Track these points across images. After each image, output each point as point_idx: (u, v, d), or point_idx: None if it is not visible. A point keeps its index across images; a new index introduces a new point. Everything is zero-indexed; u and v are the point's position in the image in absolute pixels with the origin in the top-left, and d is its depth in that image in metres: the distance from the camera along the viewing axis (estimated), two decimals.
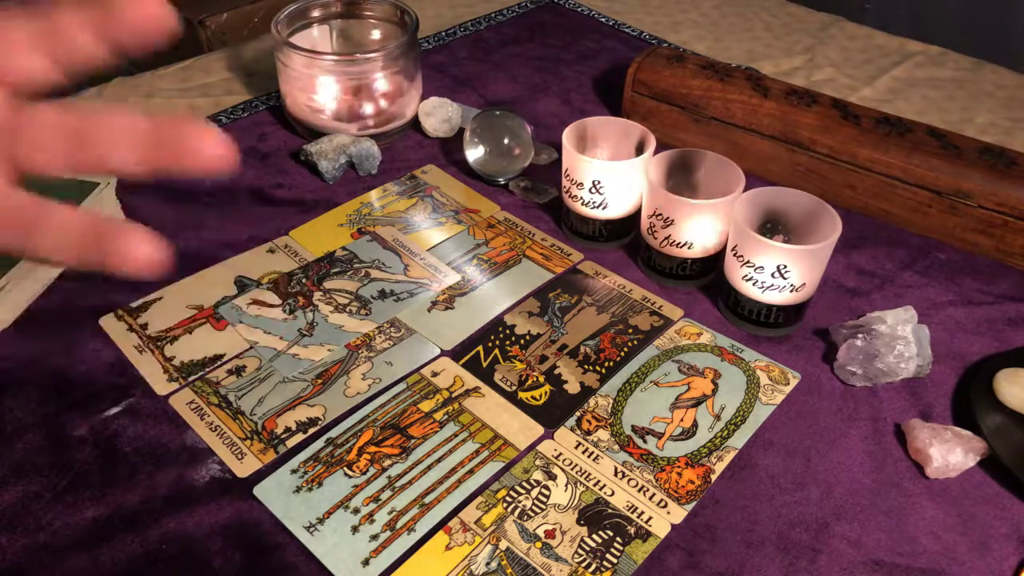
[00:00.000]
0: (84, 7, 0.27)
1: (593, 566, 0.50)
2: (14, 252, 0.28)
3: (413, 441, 0.57)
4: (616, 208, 0.71)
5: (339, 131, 0.83)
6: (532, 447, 0.57)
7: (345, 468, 0.55)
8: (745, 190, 0.65)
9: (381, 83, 0.83)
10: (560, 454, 0.57)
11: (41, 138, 0.27)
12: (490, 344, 0.65)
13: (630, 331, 0.66)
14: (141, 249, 0.27)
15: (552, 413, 0.60)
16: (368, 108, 0.84)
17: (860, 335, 0.62)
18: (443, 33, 1.07)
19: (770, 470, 0.56)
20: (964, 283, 0.71)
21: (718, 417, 0.59)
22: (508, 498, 0.54)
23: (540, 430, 0.58)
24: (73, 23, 0.27)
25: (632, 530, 0.52)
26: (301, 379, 0.61)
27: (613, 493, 0.54)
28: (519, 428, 0.58)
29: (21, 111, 0.28)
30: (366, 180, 0.81)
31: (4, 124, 0.28)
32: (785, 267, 0.61)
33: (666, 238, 0.67)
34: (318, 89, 0.82)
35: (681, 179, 0.71)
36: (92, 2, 0.27)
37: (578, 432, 0.58)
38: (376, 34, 0.91)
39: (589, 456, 0.57)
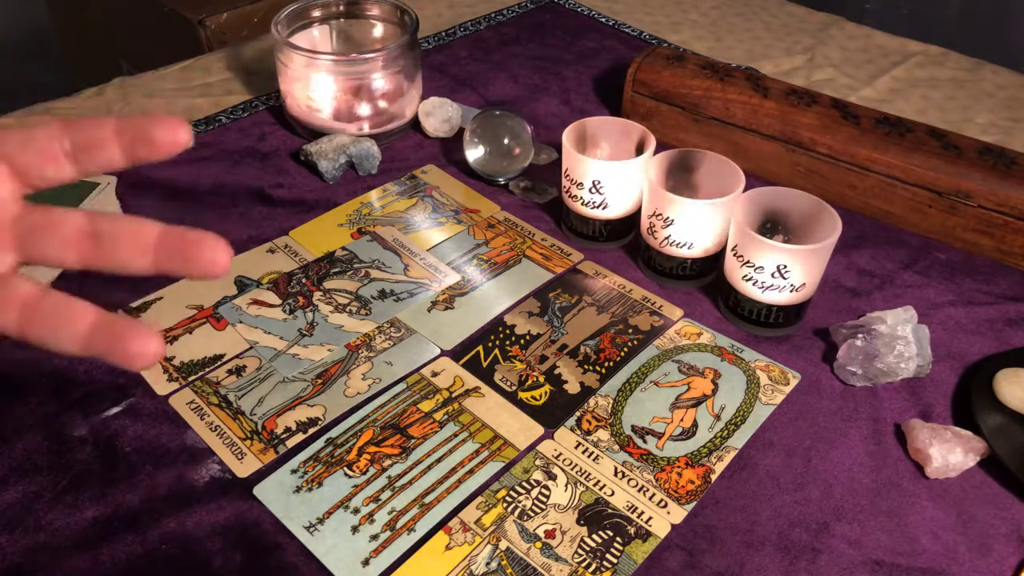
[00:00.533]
0: (122, 128, 0.29)
1: (593, 566, 0.50)
2: (14, 337, 0.29)
3: (413, 441, 0.57)
4: (616, 208, 0.71)
5: (339, 131, 0.83)
6: (532, 447, 0.57)
7: (345, 468, 0.55)
8: (745, 190, 0.65)
9: (381, 83, 0.83)
10: (560, 454, 0.57)
11: (56, 234, 0.29)
12: (490, 344, 0.65)
13: (630, 331, 0.66)
14: (148, 347, 0.28)
15: (552, 413, 0.60)
16: (368, 108, 0.84)
17: (860, 335, 0.62)
18: (443, 33, 1.07)
19: (770, 470, 0.56)
20: (964, 283, 0.71)
21: (718, 417, 0.59)
22: (508, 498, 0.54)
23: (540, 430, 0.58)
24: (107, 139, 0.29)
25: (632, 530, 0.52)
26: (301, 379, 0.61)
27: (613, 493, 0.54)
28: (519, 428, 0.58)
29: (35, 208, 0.30)
30: (366, 180, 0.81)
31: (16, 217, 0.30)
32: (785, 267, 0.61)
33: (666, 238, 0.67)
34: (318, 89, 0.82)
35: (681, 179, 0.71)
36: (130, 124, 0.29)
37: (578, 432, 0.58)
38: (376, 34, 0.91)
39: (589, 456, 0.57)
